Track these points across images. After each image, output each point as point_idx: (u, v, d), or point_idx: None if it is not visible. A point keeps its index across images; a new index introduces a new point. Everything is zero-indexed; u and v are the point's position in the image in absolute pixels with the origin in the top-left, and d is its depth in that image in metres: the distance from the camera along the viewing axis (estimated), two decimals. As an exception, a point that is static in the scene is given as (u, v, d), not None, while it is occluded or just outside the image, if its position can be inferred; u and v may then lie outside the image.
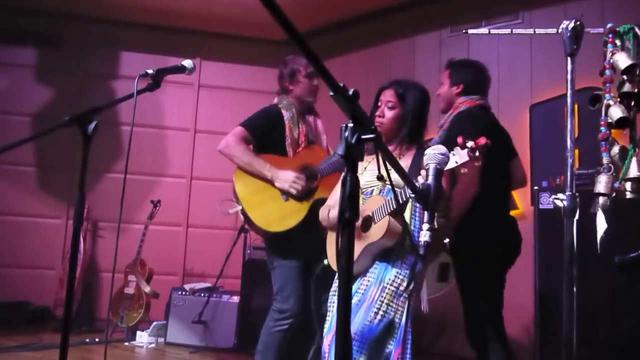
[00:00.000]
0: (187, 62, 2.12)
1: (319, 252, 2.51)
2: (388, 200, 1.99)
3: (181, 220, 5.00)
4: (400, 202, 1.95)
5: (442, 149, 1.36)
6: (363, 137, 1.10)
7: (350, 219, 1.08)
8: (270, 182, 2.70)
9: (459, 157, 1.65)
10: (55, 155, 4.76)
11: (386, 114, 2.20)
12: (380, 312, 1.96)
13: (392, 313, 1.97)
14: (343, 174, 1.11)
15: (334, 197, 2.31)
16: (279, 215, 2.68)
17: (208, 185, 5.00)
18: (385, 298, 1.98)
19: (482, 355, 2.33)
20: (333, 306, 2.13)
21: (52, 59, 4.98)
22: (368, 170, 2.19)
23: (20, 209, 4.76)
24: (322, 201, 2.56)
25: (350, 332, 1.09)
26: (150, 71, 1.96)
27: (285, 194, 2.68)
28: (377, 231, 2.02)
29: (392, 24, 4.72)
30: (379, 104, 2.24)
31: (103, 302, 4.74)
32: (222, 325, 3.98)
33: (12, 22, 4.94)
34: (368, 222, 2.07)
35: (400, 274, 2.01)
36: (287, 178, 2.67)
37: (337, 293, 1.89)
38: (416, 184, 1.35)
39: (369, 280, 2.03)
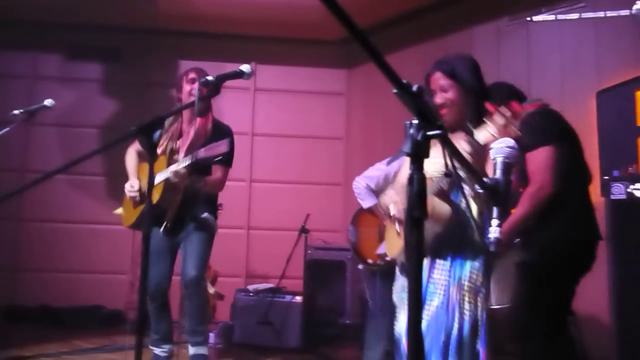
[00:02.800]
0: (245, 67, 2.15)
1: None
2: (435, 180, 1.89)
3: (243, 223, 5.09)
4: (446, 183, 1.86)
5: (510, 141, 1.30)
6: (429, 133, 1.08)
7: (419, 218, 1.06)
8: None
9: (491, 127, 1.59)
10: (122, 164, 4.94)
11: (446, 99, 2.01)
12: (467, 312, 1.89)
13: (477, 312, 1.91)
14: (409, 172, 1.08)
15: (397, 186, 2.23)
16: (128, 214, 3.14)
17: (267, 187, 5.07)
18: (466, 296, 1.91)
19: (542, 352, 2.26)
20: (404, 303, 2.04)
21: (115, 72, 5.18)
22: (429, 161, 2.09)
23: (92, 217, 4.97)
24: (152, 205, 2.81)
25: (421, 329, 1.05)
26: (210, 78, 2.01)
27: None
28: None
29: (447, 17, 4.61)
30: (432, 93, 2.05)
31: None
32: (286, 325, 4.01)
33: (77, 39, 5.18)
34: None
35: (474, 268, 1.93)
36: (126, 186, 3.08)
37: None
38: (485, 179, 1.30)
39: (446, 280, 1.94)
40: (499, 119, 1.64)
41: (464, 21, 4.52)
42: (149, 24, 5.05)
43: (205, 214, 3.08)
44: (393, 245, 2.16)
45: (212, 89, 2.00)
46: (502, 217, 1.27)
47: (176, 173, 2.80)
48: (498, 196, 1.27)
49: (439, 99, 2.03)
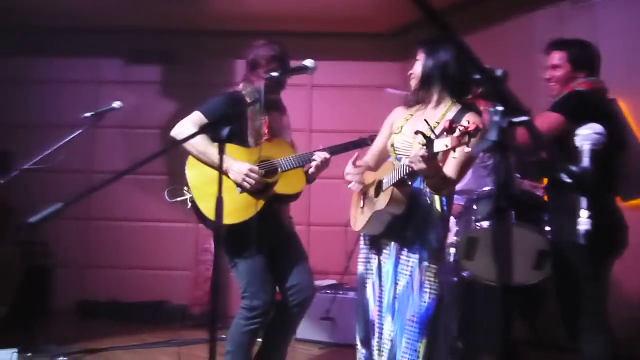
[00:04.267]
0: (309, 62, 2.16)
1: (283, 242, 2.64)
2: (396, 170, 2.07)
3: (303, 220, 5.11)
4: (403, 175, 2.02)
5: (598, 127, 1.25)
6: (514, 120, 1.04)
7: (505, 209, 1.03)
8: (225, 174, 2.55)
9: (449, 140, 1.72)
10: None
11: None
12: (431, 292, 2.08)
13: (440, 289, 2.10)
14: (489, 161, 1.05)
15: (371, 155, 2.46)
16: (229, 208, 2.37)
17: (327, 183, 5.06)
18: (431, 278, 2.09)
19: (583, 346, 2.28)
20: (372, 275, 2.25)
21: (173, 74, 5.32)
22: (409, 125, 2.26)
23: (156, 216, 5.12)
24: (280, 197, 2.59)
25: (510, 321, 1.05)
26: (275, 74, 2.02)
27: (240, 186, 2.57)
28: (382, 200, 2.11)
29: (506, 2, 4.48)
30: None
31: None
32: (349, 321, 4.00)
33: (136, 43, 5.35)
34: (379, 188, 2.18)
35: (435, 249, 2.12)
36: (241, 170, 2.54)
37: (376, 261, 2.25)
38: (573, 168, 1.26)
39: (412, 262, 2.12)
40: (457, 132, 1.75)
41: (525, 6, 4.37)
42: (204, 25, 5.14)
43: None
44: (357, 219, 2.35)
45: (277, 85, 2.01)
46: (592, 207, 1.21)
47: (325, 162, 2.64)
48: (585, 185, 1.22)
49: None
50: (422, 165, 1.85)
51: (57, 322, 4.65)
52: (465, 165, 2.10)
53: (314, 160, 2.64)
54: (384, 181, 2.15)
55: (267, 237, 2.56)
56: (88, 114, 3.16)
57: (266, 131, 2.68)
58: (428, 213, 2.14)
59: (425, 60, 2.25)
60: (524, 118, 1.06)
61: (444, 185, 2.02)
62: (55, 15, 4.92)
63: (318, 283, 4.24)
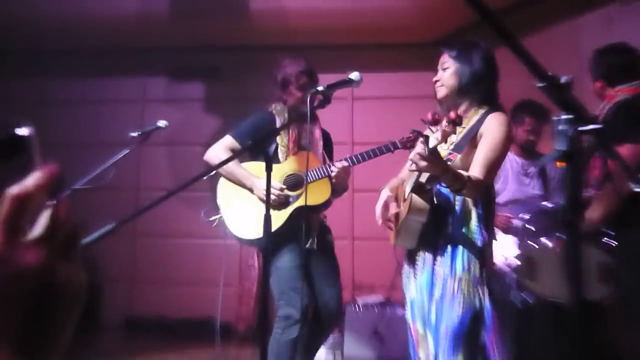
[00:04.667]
0: (355, 75, 2.14)
1: (315, 254, 2.76)
2: (412, 176, 2.06)
3: (346, 234, 5.07)
4: (417, 179, 2.01)
5: None
6: (582, 129, 0.99)
7: (573, 222, 0.97)
8: (252, 191, 2.79)
9: (437, 134, 1.77)
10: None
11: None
12: (465, 304, 1.97)
13: (477, 302, 1.99)
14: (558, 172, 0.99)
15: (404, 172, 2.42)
16: (255, 223, 2.72)
17: (370, 196, 5.00)
18: (464, 288, 1.99)
19: None
20: (411, 289, 2.20)
21: (215, 90, 5.39)
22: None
23: (200, 232, 5.15)
24: (306, 209, 2.70)
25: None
26: (320, 88, 2.01)
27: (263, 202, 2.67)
28: (404, 209, 2.09)
29: (549, 7, 4.37)
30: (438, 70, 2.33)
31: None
32: (397, 338, 3.93)
33: (178, 60, 5.46)
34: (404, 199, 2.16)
35: (470, 259, 2.02)
36: (262, 186, 2.69)
37: (412, 276, 2.18)
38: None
39: (444, 272, 2.04)
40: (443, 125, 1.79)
41: (570, 9, 4.24)
42: (245, 40, 5.20)
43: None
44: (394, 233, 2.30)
45: (323, 99, 2.00)
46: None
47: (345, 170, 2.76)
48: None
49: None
50: (423, 163, 1.82)
51: (106, 337, 4.74)
52: (492, 165, 2.04)
53: (332, 171, 2.76)
54: (405, 189, 2.15)
55: (299, 247, 2.71)
56: (135, 133, 3.20)
57: (292, 145, 2.84)
58: (459, 219, 2.07)
59: (459, 67, 2.20)
60: (594, 126, 1.00)
61: (461, 185, 1.92)
62: (101, 36, 5.06)
63: (364, 299, 4.18)
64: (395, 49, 5.21)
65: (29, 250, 0.44)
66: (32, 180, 0.45)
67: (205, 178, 2.07)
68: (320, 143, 3.00)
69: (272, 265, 2.70)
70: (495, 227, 3.43)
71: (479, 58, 2.17)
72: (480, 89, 2.17)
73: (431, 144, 1.79)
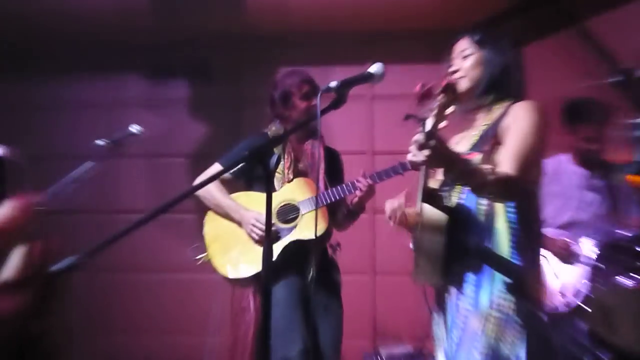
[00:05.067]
0: (376, 68, 2.11)
1: (314, 293, 2.97)
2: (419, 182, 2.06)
3: (366, 267, 5.03)
4: (423, 182, 2.01)
5: None
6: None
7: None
8: (240, 225, 3.09)
9: (430, 111, 1.77)
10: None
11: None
12: (487, 353, 1.88)
13: (505, 351, 1.88)
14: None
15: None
16: (243, 260, 3.06)
17: (396, 220, 4.99)
18: (490, 331, 1.89)
19: None
20: (439, 339, 2.16)
21: (204, 90, 5.41)
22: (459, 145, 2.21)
23: (187, 264, 5.13)
24: (298, 243, 2.97)
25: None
26: (333, 84, 1.98)
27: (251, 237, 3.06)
28: (418, 226, 2.06)
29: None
30: (452, 58, 2.37)
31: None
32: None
33: (159, 55, 5.50)
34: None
35: (502, 292, 1.93)
36: (248, 220, 3.04)
37: (443, 324, 2.15)
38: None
39: (467, 309, 1.97)
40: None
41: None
42: (239, 31, 5.24)
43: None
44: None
45: (336, 99, 1.99)
46: None
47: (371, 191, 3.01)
48: None
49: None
50: (421, 155, 1.76)
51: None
52: (525, 157, 1.97)
53: (357, 187, 3.04)
54: (417, 204, 2.10)
55: (295, 284, 2.96)
56: (102, 142, 3.21)
57: (287, 171, 3.09)
58: (484, 235, 2.00)
59: (486, 55, 2.21)
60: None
61: (481, 180, 1.86)
62: (67, 27, 5.10)
63: (389, 350, 4.13)
64: (422, 36, 5.18)
65: None
66: (4, 211, 0.43)
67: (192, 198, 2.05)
68: (322, 165, 3.17)
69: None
70: (549, 253, 3.41)
71: (509, 44, 2.21)
72: (510, 82, 2.18)
73: (427, 127, 1.77)
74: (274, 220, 3.03)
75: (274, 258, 2.84)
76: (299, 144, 3.23)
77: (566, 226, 3.51)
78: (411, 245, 2.23)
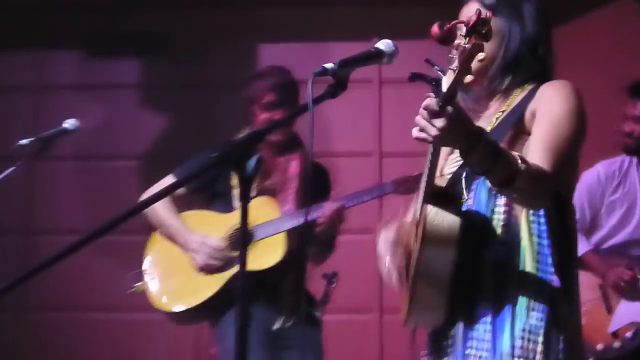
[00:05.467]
0: (385, 44, 2.09)
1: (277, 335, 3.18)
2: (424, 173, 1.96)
3: (371, 302, 5.03)
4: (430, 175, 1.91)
5: None
6: None
7: None
8: (185, 248, 3.32)
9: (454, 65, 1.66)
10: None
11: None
12: None
13: None
14: None
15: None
16: (182, 291, 3.30)
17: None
18: None
19: None
20: None
21: (160, 71, 5.37)
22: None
23: (134, 301, 5.12)
24: (255, 274, 3.04)
25: None
26: (329, 65, 1.96)
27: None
28: (415, 240, 1.98)
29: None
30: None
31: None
32: None
33: (100, 25, 5.48)
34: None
35: (529, 327, 1.88)
36: (190, 245, 3.28)
37: None
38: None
39: (482, 354, 1.91)
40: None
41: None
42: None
43: (317, 313, 3.43)
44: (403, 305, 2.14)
45: (334, 84, 1.97)
46: None
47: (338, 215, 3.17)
48: None
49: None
50: (434, 128, 1.68)
51: None
52: (562, 150, 1.92)
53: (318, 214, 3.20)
54: (416, 207, 2.05)
55: (256, 323, 3.09)
56: (25, 141, 3.19)
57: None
58: (506, 253, 1.95)
59: (504, 24, 2.15)
60: None
61: (509, 172, 1.76)
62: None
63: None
64: (440, 3, 5.20)
65: None
66: None
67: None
68: (295, 183, 3.35)
69: (217, 346, 3.25)
70: (606, 286, 3.45)
71: (532, 10, 2.16)
72: (535, 59, 2.15)
73: (445, 86, 1.70)
74: (224, 247, 3.28)
75: (217, 289, 3.22)
76: (273, 156, 3.40)
77: (623, 246, 3.54)
78: (391, 273, 2.18)
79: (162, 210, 3.36)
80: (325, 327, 4.44)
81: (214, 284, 3.24)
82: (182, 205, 3.46)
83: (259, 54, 5.29)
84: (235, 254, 3.22)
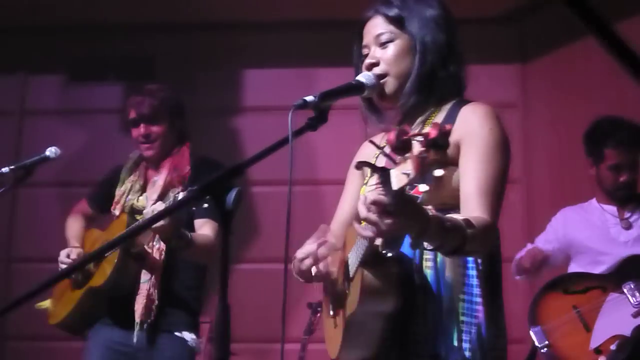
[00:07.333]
0: (366, 76, 2.12)
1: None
2: (360, 237, 1.91)
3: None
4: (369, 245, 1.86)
5: None
6: None
7: None
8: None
9: (407, 166, 1.58)
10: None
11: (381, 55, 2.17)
12: None
13: None
14: None
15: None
16: (60, 303, 3.46)
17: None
18: None
19: None
20: None
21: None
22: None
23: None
24: (93, 292, 3.26)
25: None
26: (309, 98, 1.99)
27: None
28: (353, 295, 1.98)
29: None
30: (364, 45, 2.23)
31: None
32: None
33: (83, 49, 5.53)
34: (347, 275, 2.06)
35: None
36: (66, 257, 3.42)
37: None
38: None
39: None
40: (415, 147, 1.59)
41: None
42: (193, 16, 5.30)
43: (185, 333, 3.33)
44: (331, 338, 2.22)
45: (315, 117, 2.00)
46: None
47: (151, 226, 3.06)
48: None
49: (370, 55, 2.19)
50: (387, 222, 1.65)
51: None
52: (498, 191, 1.98)
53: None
54: (349, 261, 2.04)
55: (107, 343, 3.30)
56: (6, 169, 3.22)
57: (114, 205, 3.50)
58: (439, 301, 1.99)
59: (414, 35, 2.14)
60: None
61: (460, 240, 1.78)
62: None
63: None
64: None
65: None
66: None
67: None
68: (155, 195, 3.34)
69: None
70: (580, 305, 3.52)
71: (439, 17, 2.15)
72: (450, 70, 2.14)
73: (396, 184, 1.62)
74: (79, 259, 3.43)
75: (71, 307, 3.36)
76: (157, 168, 3.48)
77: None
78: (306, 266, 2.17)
79: (71, 225, 3.72)
80: None
81: (73, 300, 3.36)
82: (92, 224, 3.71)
83: (244, 79, 5.36)
84: (93, 270, 3.32)
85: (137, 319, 3.19)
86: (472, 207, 1.92)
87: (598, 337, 3.35)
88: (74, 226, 3.69)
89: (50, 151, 3.30)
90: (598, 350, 3.30)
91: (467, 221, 1.81)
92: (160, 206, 2.98)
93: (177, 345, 3.29)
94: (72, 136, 5.30)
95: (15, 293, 4.91)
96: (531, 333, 3.52)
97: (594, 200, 3.96)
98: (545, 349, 3.45)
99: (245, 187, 5.04)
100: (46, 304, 3.51)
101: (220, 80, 5.37)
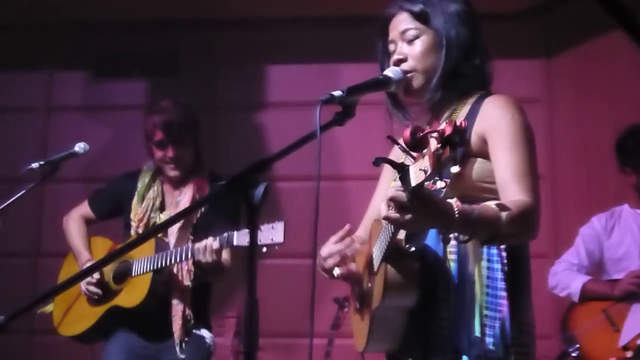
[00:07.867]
0: (393, 71, 2.12)
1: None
2: (383, 232, 1.97)
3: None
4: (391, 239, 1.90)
5: None
6: None
7: None
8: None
9: (425, 163, 1.61)
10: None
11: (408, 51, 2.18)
12: None
13: None
14: None
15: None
16: (71, 316, 3.48)
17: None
18: None
19: None
20: None
21: (168, 91, 5.40)
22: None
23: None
24: (118, 310, 3.30)
25: None
26: (336, 93, 1.99)
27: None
28: (376, 289, 2.02)
29: None
30: (390, 40, 2.25)
31: None
32: None
33: (109, 45, 5.56)
34: (371, 270, 2.09)
35: (483, 355, 1.94)
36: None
37: None
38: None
39: None
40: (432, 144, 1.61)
41: None
42: (217, 12, 5.31)
43: (204, 331, 3.42)
44: (358, 331, 2.27)
45: (341, 112, 2.00)
46: None
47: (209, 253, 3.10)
48: None
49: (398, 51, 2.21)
50: (406, 217, 1.69)
51: None
52: (531, 169, 1.98)
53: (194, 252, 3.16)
54: (374, 255, 2.08)
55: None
56: (36, 164, 3.26)
57: (137, 223, 3.44)
58: (460, 294, 2.00)
59: (439, 31, 2.15)
60: None
61: (493, 230, 1.82)
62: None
63: None
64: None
65: None
66: None
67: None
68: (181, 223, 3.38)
69: None
70: (611, 307, 3.54)
71: (462, 11, 2.17)
72: (473, 68, 2.16)
73: (414, 180, 1.65)
74: (108, 279, 3.43)
75: (92, 323, 3.40)
76: (177, 186, 3.50)
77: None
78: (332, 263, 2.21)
79: (73, 231, 3.62)
80: (340, 355, 4.47)
81: (92, 316, 3.39)
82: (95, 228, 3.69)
83: (268, 75, 5.36)
84: (115, 288, 3.39)
85: (177, 340, 3.27)
86: (511, 193, 1.93)
87: (627, 334, 3.39)
88: (80, 233, 3.63)
89: (79, 147, 3.33)
90: (626, 347, 3.33)
91: (501, 205, 1.83)
92: (216, 244, 3.07)
93: (197, 343, 3.36)
94: (98, 132, 5.33)
95: (41, 288, 4.94)
96: (562, 338, 3.63)
97: (626, 206, 3.95)
98: (576, 352, 3.51)
99: (271, 182, 5.01)
100: (50, 308, 3.53)
101: (244, 76, 5.36)
